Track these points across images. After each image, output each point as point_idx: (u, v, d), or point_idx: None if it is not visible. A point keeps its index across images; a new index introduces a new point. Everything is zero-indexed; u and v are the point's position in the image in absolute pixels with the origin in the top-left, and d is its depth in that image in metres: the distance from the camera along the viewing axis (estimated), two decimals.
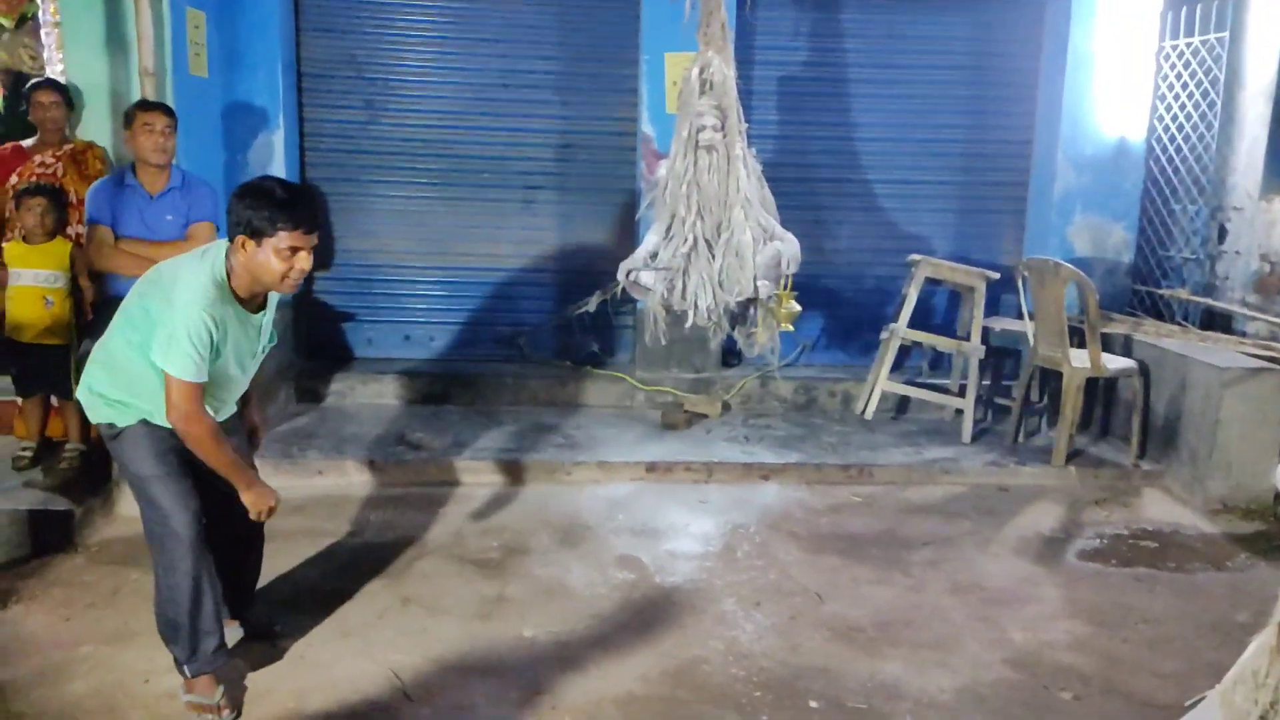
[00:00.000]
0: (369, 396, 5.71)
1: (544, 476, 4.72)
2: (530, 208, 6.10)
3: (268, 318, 2.83)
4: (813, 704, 2.90)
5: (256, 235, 2.56)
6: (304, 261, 2.61)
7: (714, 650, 3.19)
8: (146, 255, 3.79)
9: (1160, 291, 5.84)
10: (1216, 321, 5.66)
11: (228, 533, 2.92)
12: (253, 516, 2.77)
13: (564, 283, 6.13)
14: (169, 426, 2.67)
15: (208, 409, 2.68)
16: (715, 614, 3.44)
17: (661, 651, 3.17)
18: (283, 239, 2.56)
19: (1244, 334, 5.40)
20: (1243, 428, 4.50)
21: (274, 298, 2.85)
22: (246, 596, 3.17)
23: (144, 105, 4.04)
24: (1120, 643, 3.32)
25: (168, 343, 2.55)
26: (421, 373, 5.83)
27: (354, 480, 4.60)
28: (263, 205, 2.55)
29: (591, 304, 5.80)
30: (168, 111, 4.03)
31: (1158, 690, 3.01)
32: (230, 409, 2.92)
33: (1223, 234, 5.82)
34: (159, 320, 2.58)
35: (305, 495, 4.39)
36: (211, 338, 2.57)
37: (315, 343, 6.03)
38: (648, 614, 3.42)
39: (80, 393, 2.78)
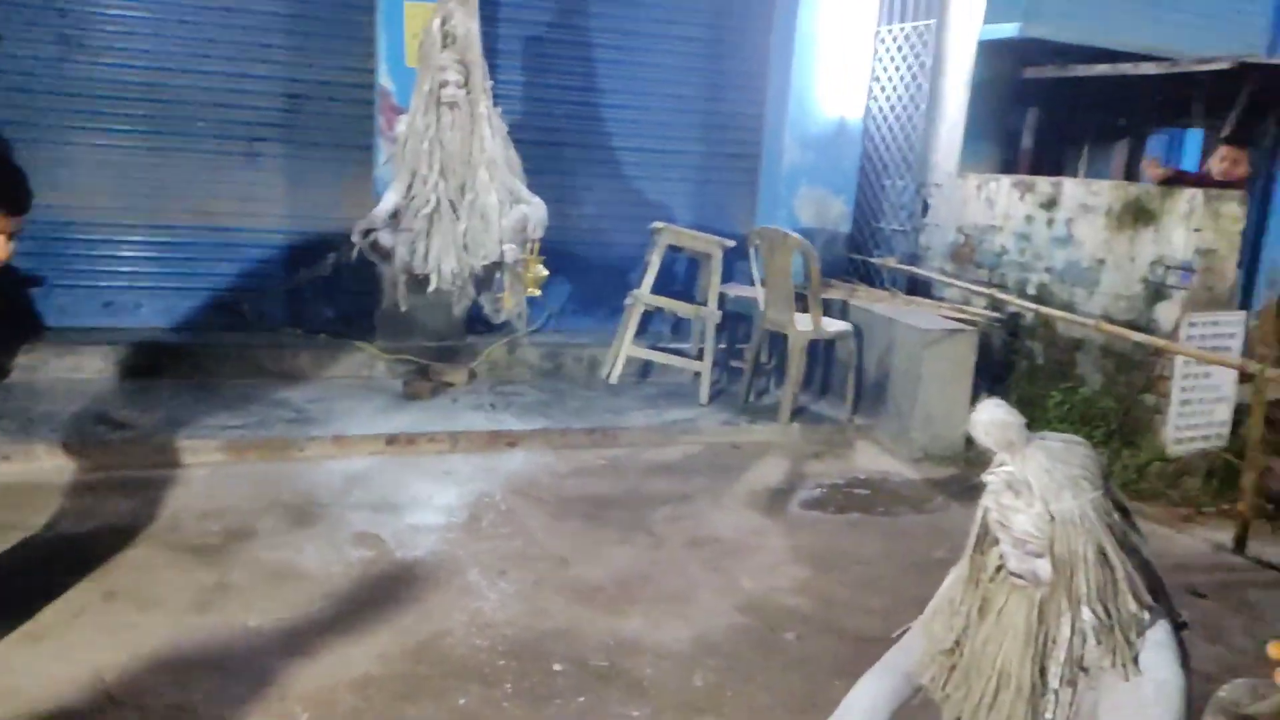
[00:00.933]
0: (63, 371, 5.11)
1: (273, 454, 4.44)
2: (255, 162, 5.67)
3: None
4: (557, 667, 2.94)
5: None
6: (3, 248, 2.29)
7: (457, 622, 3.16)
8: None
9: (872, 260, 6.40)
10: (920, 287, 6.30)
11: None
12: None
13: (294, 244, 5.77)
14: None
15: None
16: (459, 585, 3.40)
17: (402, 629, 3.09)
18: None
19: (942, 299, 6.04)
20: (940, 383, 5.04)
21: None
22: None
23: None
24: (836, 584, 3.64)
25: None
26: (127, 343, 5.29)
27: (46, 465, 4.12)
28: None
29: (325, 267, 5.50)
30: None
31: (868, 626, 3.33)
32: None
33: (926, 208, 6.46)
34: None
35: None
36: None
37: None
38: (387, 591, 3.32)
39: None
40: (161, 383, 5.16)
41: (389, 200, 4.49)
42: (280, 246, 5.77)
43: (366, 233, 4.39)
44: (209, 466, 4.29)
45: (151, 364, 5.24)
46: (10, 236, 2.30)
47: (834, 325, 5.42)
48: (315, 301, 5.78)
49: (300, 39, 5.58)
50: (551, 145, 6.01)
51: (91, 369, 5.16)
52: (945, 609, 1.82)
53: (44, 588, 3.15)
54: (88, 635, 2.92)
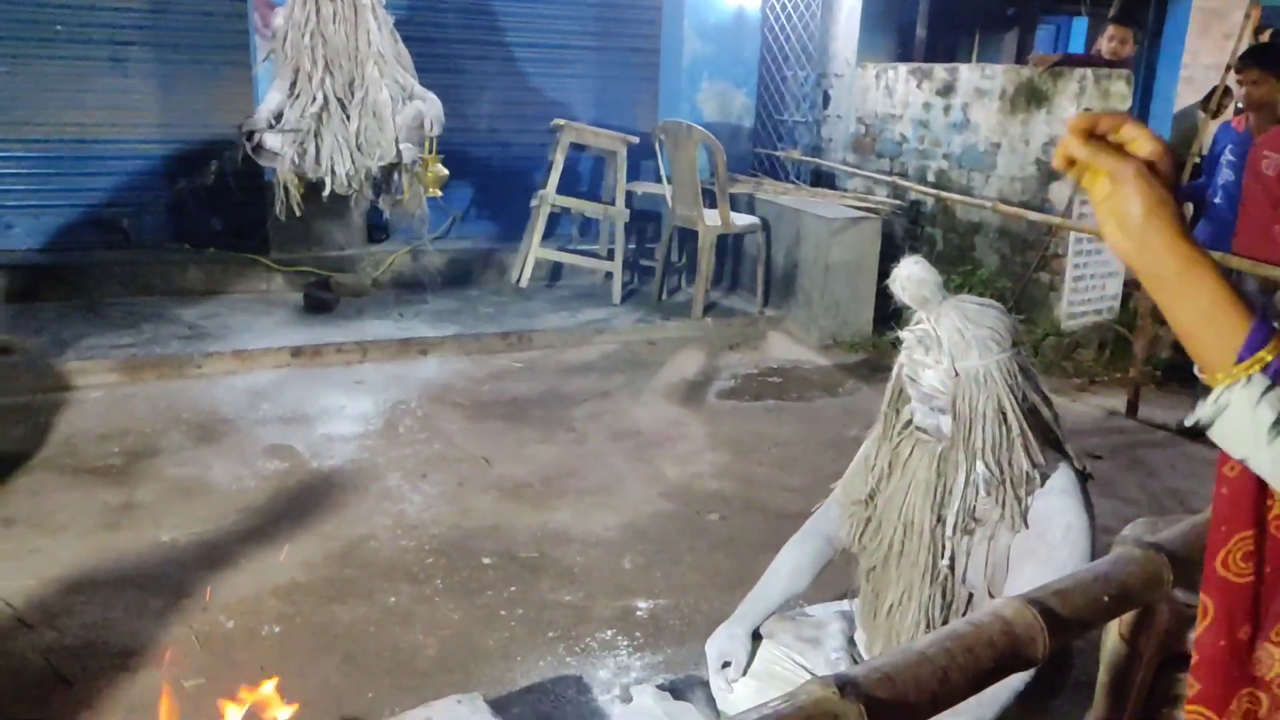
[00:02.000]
0: None
1: (171, 373, 4.26)
2: (122, 67, 5.27)
3: None
4: (486, 561, 2.94)
5: None
6: None
7: (381, 526, 3.11)
8: None
9: (776, 153, 6.39)
10: (823, 179, 6.34)
11: None
12: None
13: (173, 154, 5.43)
14: None
15: None
16: (380, 490, 3.35)
17: (324, 535, 3.03)
18: None
19: (845, 189, 6.10)
20: (846, 272, 5.12)
21: None
22: None
23: None
24: (756, 466, 3.71)
25: None
26: (1, 266, 4.93)
27: None
28: None
29: (208, 175, 5.18)
30: None
31: (788, 502, 3.41)
32: None
33: (827, 99, 6.46)
34: None
35: None
36: None
37: None
38: (305, 501, 3.25)
39: None
40: (42, 306, 4.85)
41: (272, 99, 4.27)
42: (157, 157, 5.42)
43: (251, 134, 4.16)
44: (102, 388, 4.08)
45: (29, 287, 4.93)
46: None
47: (742, 219, 5.42)
48: (201, 213, 5.48)
49: None
50: (441, 42, 5.74)
51: None
52: (861, 466, 1.87)
53: None
54: None
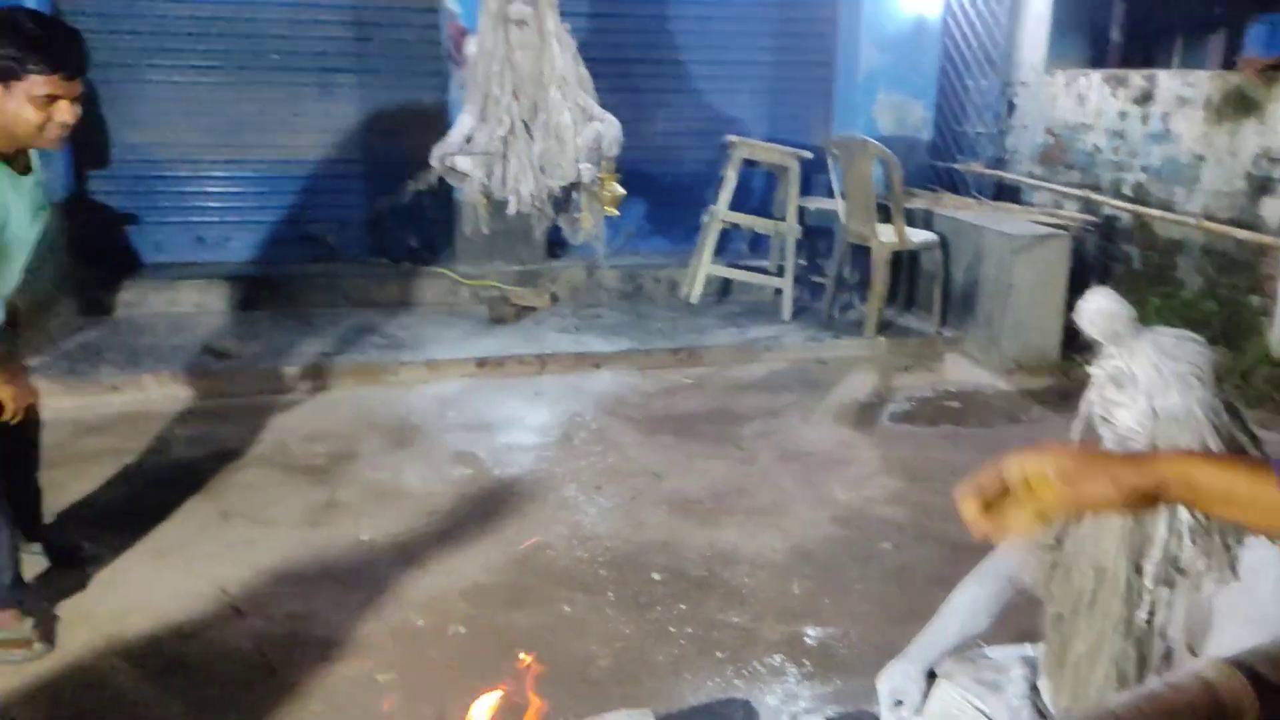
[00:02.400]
0: (163, 305, 5.30)
1: (369, 379, 4.56)
2: (329, 93, 5.70)
3: (36, 179, 2.45)
4: (656, 576, 3.00)
5: (4, 78, 2.18)
6: (65, 113, 2.24)
7: (558, 535, 3.23)
8: None
9: (956, 166, 6.18)
10: (1006, 193, 6.08)
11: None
12: (8, 413, 2.41)
13: (373, 174, 5.83)
14: None
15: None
16: (557, 500, 3.48)
17: (505, 540, 3.18)
18: (37, 84, 2.18)
19: (1031, 204, 5.83)
20: (1032, 291, 4.89)
21: (38, 156, 2.49)
22: (34, 518, 2.90)
23: None
24: (931, 494, 3.61)
25: None
26: (221, 277, 5.45)
27: (154, 395, 4.30)
28: (8, 42, 2.17)
29: (404, 195, 5.54)
30: None
31: (966, 535, 3.28)
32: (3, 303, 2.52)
33: (1011, 108, 6.20)
34: None
35: (101, 415, 4.08)
36: None
37: (95, 249, 5.47)
38: (488, 506, 3.41)
39: None
40: (257, 314, 5.31)
41: (463, 124, 4.49)
42: (359, 176, 5.83)
43: (444, 157, 4.41)
44: (309, 392, 4.42)
45: (245, 296, 5.40)
46: (73, 101, 2.27)
47: (918, 235, 5.28)
48: (397, 230, 5.86)
49: None
50: (621, 61, 5.87)
51: (189, 302, 5.33)
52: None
53: (163, 508, 3.31)
54: (208, 550, 3.07)
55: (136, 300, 5.28)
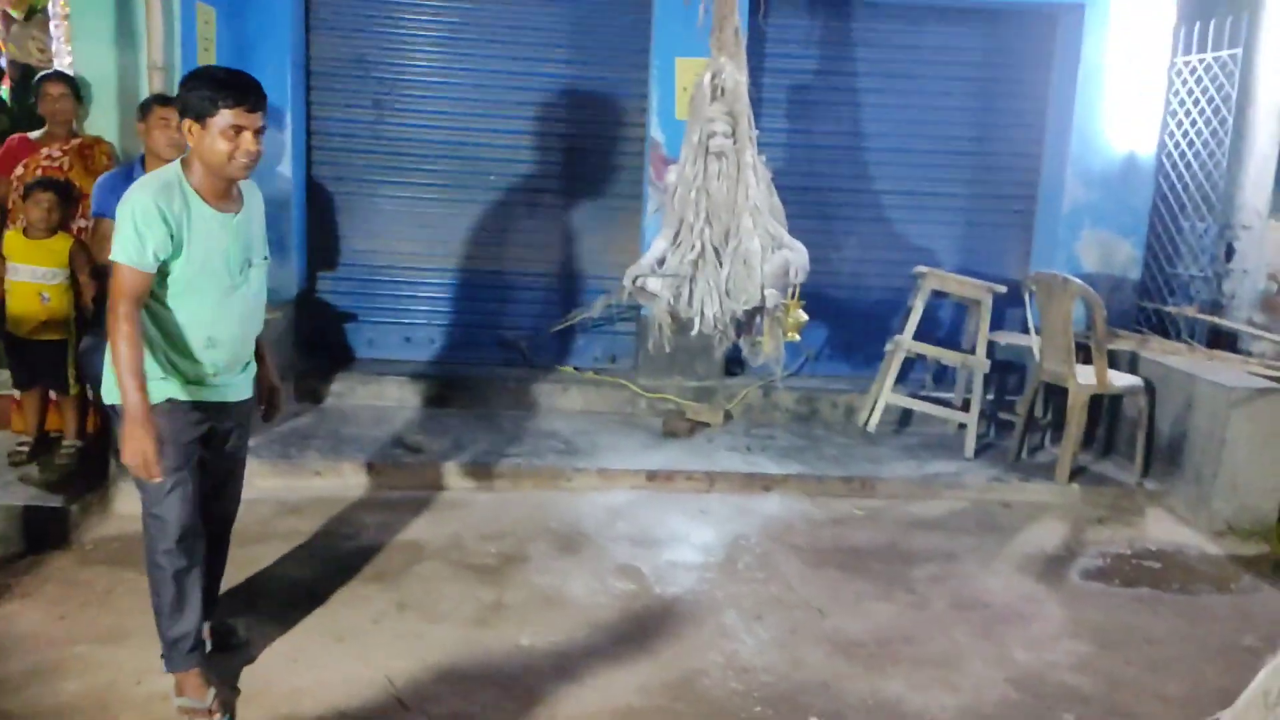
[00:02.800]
0: (368, 398, 5.69)
1: (544, 483, 4.69)
2: (536, 211, 6.08)
3: (244, 218, 2.73)
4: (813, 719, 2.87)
5: (200, 118, 2.56)
6: (250, 142, 2.58)
7: (714, 663, 3.16)
8: None
9: (1167, 309, 5.81)
10: (1223, 340, 5.62)
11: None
12: (124, 458, 2.54)
13: (568, 287, 6.11)
14: (190, 401, 2.66)
15: (203, 339, 2.65)
16: (716, 626, 3.41)
17: (661, 663, 3.14)
18: (225, 117, 2.54)
19: (1250, 353, 5.37)
20: (1249, 448, 4.47)
21: (253, 198, 2.82)
22: (212, 598, 3.02)
23: (162, 100, 3.98)
24: (1123, 664, 3.29)
25: (117, 232, 2.53)
26: (422, 375, 5.81)
27: (351, 482, 4.57)
28: (203, 86, 2.55)
29: (596, 309, 5.79)
30: None
31: (1162, 714, 2.98)
32: (231, 349, 2.73)
33: (1230, 252, 5.78)
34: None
35: (302, 497, 4.37)
36: (167, 224, 2.52)
37: (316, 342, 6.00)
38: (647, 625, 3.39)
39: (105, 378, 2.67)
40: (449, 412, 5.61)
41: (657, 247, 4.66)
42: (555, 289, 6.13)
43: (636, 278, 4.57)
44: (489, 491, 4.60)
45: (441, 394, 5.72)
46: (256, 133, 2.58)
47: (1121, 379, 4.97)
48: (585, 340, 6.11)
49: (579, 98, 5.94)
50: (814, 190, 5.99)
51: (392, 397, 5.70)
52: (1259, 702, 1.60)
53: (346, 592, 3.50)
54: (383, 640, 3.20)
55: (346, 391, 5.71)
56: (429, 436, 5.08)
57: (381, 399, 5.70)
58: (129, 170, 3.98)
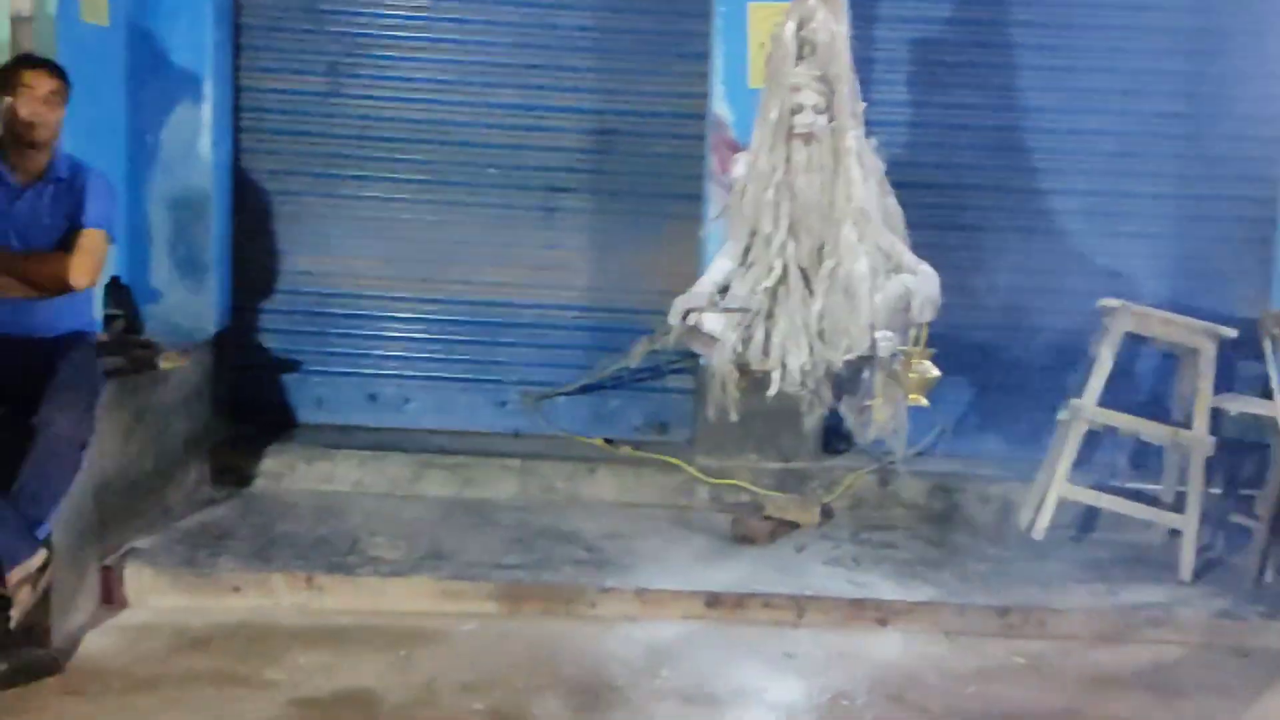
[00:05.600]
0: (314, 480, 5.66)
1: (557, 607, 4.60)
2: (553, 219, 6.07)
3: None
4: None
5: None
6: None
7: None
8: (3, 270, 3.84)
9: None
10: None
11: None
12: None
13: (597, 326, 6.09)
14: None
15: None
16: None
17: None
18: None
19: None
20: None
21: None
22: None
23: (27, 61, 4.05)
24: None
25: None
26: (391, 448, 5.79)
27: (284, 603, 4.52)
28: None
29: (634, 358, 5.73)
30: (56, 72, 4.04)
31: None
32: None
33: None
34: None
35: (213, 623, 4.31)
36: None
37: (242, 401, 6.01)
38: None
39: None
40: (427, 501, 5.56)
41: (719, 268, 4.63)
42: (580, 327, 6.11)
43: (689, 313, 4.52)
44: (477, 619, 4.50)
45: (418, 476, 5.69)
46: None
47: None
48: (620, 401, 6.07)
49: (612, 60, 5.99)
50: (948, 189, 5.96)
51: (346, 480, 5.68)
52: None
53: None
54: None
55: (282, 471, 5.68)
56: (396, 537, 5.02)
57: (332, 482, 5.68)
58: None
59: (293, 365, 6.11)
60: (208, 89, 5.60)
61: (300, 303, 6.08)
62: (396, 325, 6.12)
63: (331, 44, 5.95)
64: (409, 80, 5.98)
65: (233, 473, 5.64)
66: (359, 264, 6.06)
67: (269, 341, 6.09)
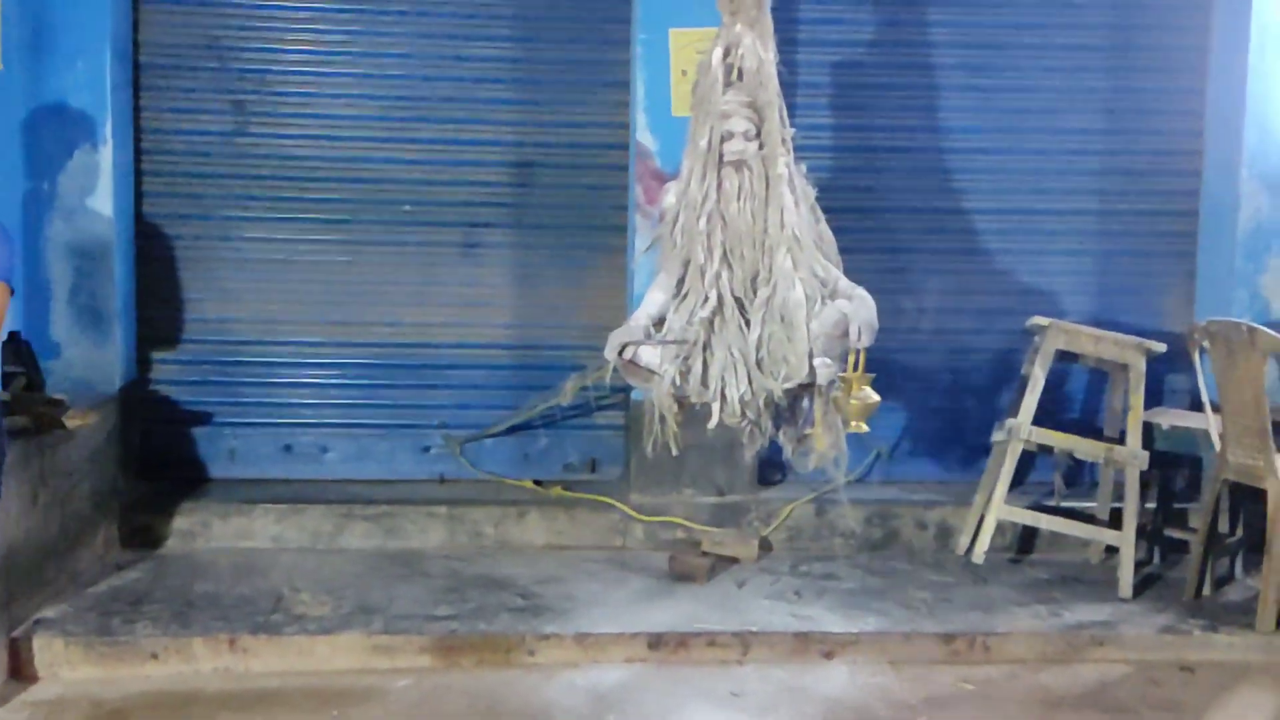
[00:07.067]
0: (230, 538, 5.58)
1: (495, 658, 4.57)
2: (474, 255, 6.08)
3: None
4: None
5: None
6: None
7: None
8: None
9: None
10: None
11: None
12: None
13: (523, 364, 6.09)
14: None
15: None
16: None
17: None
18: None
19: None
20: None
21: None
22: None
23: None
24: None
25: None
26: (310, 500, 5.72)
27: (206, 668, 4.45)
28: None
29: (566, 395, 5.73)
30: None
31: None
32: None
33: None
34: None
35: (129, 693, 4.23)
36: None
37: (151, 458, 5.91)
38: None
39: None
40: (350, 554, 5.50)
41: (653, 300, 4.63)
42: (504, 366, 6.10)
43: (623, 347, 4.51)
44: (411, 674, 4.45)
45: (340, 528, 5.62)
46: None
47: None
48: (550, 441, 6.06)
49: (532, 90, 6.02)
50: (874, 212, 6.05)
51: (265, 535, 5.60)
52: None
53: None
54: None
55: (196, 530, 5.59)
56: (320, 593, 4.96)
57: (250, 538, 5.61)
58: None
59: (203, 418, 6.02)
60: (107, 131, 5.51)
61: (209, 352, 5.99)
62: (311, 372, 6.06)
63: (237, 81, 5.91)
64: (319, 117, 5.95)
65: (144, 533, 5.54)
66: (271, 309, 6.00)
67: (178, 394, 5.99)
